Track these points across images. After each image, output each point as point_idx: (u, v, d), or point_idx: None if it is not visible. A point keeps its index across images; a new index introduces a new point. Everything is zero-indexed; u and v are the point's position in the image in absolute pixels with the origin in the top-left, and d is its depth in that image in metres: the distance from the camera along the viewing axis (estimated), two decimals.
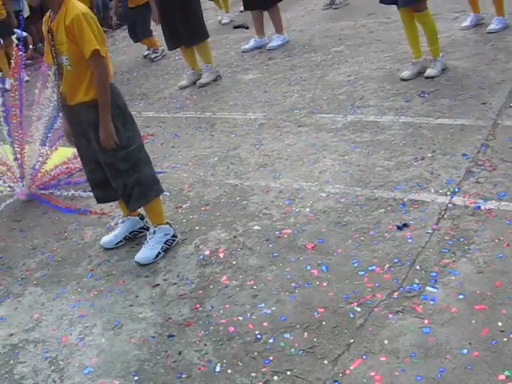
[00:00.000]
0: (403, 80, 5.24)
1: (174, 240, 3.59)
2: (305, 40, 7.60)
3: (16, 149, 4.63)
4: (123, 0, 8.60)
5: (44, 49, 3.36)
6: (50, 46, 3.20)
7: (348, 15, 8.46)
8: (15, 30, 10.23)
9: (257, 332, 2.74)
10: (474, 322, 2.49)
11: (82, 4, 3.14)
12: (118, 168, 3.32)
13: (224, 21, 9.40)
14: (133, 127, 3.40)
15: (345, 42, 7.03)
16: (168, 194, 4.19)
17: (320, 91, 5.57)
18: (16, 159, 4.65)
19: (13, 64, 4.72)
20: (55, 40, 3.16)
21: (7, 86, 5.66)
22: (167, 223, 3.59)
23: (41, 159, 4.70)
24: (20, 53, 4.69)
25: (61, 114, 3.69)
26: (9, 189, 4.75)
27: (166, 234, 3.55)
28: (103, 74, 3.15)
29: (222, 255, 3.38)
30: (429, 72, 5.07)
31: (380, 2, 5.27)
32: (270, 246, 3.35)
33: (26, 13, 11.02)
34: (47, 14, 3.22)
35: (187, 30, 6.25)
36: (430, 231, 3.15)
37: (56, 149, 4.72)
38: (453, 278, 2.77)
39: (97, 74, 3.14)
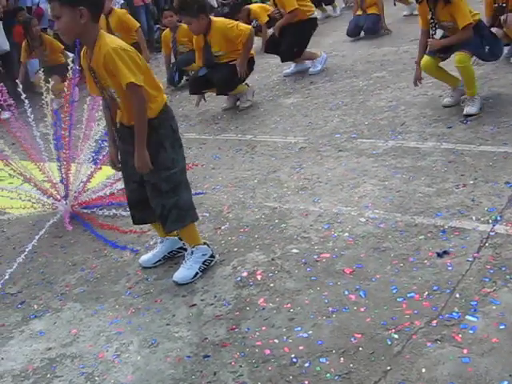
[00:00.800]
0: (445, 107, 5.21)
1: (212, 260, 3.60)
2: (347, 65, 7.63)
3: (62, 167, 4.72)
4: None
5: (86, 81, 3.39)
6: (95, 81, 3.25)
7: (390, 41, 8.49)
8: (67, 52, 10.48)
9: (292, 355, 2.72)
10: None
11: (112, 38, 3.17)
12: (160, 188, 3.35)
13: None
14: (179, 151, 3.45)
15: (387, 67, 7.05)
16: (207, 214, 4.22)
17: (361, 116, 5.57)
18: (62, 178, 4.73)
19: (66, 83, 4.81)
20: (98, 77, 3.20)
21: (55, 105, 5.77)
22: (205, 243, 3.61)
23: (85, 178, 4.78)
24: (74, 73, 4.82)
25: (107, 137, 3.74)
26: (53, 207, 4.83)
27: (203, 255, 3.57)
28: (140, 104, 3.15)
29: (259, 277, 3.38)
30: (468, 110, 4.92)
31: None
32: (308, 269, 3.34)
33: None
34: (83, 49, 3.26)
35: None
36: (470, 259, 3.10)
37: (100, 168, 4.80)
38: (494, 307, 2.72)
39: (134, 103, 3.15)
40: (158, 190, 3.36)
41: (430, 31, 5.04)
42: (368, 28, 8.93)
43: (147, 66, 3.26)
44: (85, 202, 4.86)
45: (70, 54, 10.14)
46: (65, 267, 4.08)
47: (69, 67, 4.73)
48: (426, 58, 5.11)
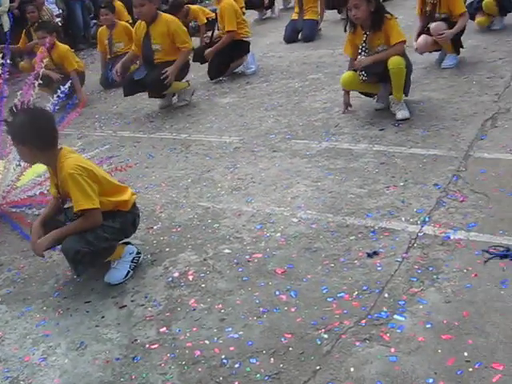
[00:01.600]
0: (377, 110, 5.30)
1: (139, 257, 3.58)
2: (283, 66, 7.68)
3: None
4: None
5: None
6: (58, 197, 3.49)
7: (326, 43, 8.59)
8: None
9: (223, 356, 2.71)
10: (440, 351, 2.49)
11: (70, 159, 3.28)
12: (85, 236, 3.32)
13: None
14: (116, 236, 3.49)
15: (322, 69, 7.12)
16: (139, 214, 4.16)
17: (296, 117, 5.61)
18: None
19: None
20: (62, 193, 3.42)
21: None
22: (127, 243, 3.59)
23: (14, 177, 4.64)
24: (4, 68, 4.68)
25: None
26: None
27: (130, 253, 3.54)
28: (90, 225, 3.31)
29: (191, 278, 3.35)
30: (402, 114, 4.99)
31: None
32: (240, 269, 3.33)
33: (6, 27, 10.99)
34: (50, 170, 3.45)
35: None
36: (399, 259, 3.16)
37: (30, 165, 4.66)
38: (421, 306, 2.78)
39: (84, 223, 3.31)
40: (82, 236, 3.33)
41: (359, 57, 5.11)
42: (306, 36, 8.98)
43: (103, 175, 3.42)
44: (14, 202, 4.71)
45: None
46: None
47: None
48: (346, 74, 5.20)
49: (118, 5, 11.12)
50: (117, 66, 6.62)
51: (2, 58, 4.70)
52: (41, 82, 4.91)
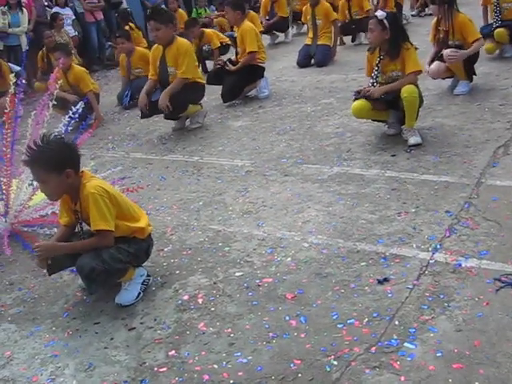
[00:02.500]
0: (389, 135, 5.31)
1: (149, 279, 3.60)
2: (295, 91, 7.72)
3: (2, 184, 4.60)
4: None
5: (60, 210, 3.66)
6: (78, 221, 3.49)
7: (339, 69, 8.64)
8: (10, 64, 10.27)
9: (231, 381, 2.69)
10: (450, 380, 2.47)
11: (92, 182, 3.36)
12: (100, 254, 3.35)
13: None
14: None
15: (335, 94, 7.15)
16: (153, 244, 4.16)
17: (308, 142, 5.62)
18: (2, 194, 4.60)
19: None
20: (82, 217, 3.45)
21: None
22: (137, 266, 3.60)
23: (27, 196, 4.66)
24: (18, 88, 4.73)
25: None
26: None
27: (141, 275, 3.56)
28: (103, 245, 3.36)
29: (200, 301, 3.34)
30: (414, 140, 4.99)
31: None
32: (250, 294, 3.32)
33: (24, 47, 11.15)
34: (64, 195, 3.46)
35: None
36: (410, 286, 3.14)
37: None
38: (431, 335, 2.76)
39: (98, 242, 3.37)
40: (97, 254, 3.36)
41: (371, 80, 5.15)
42: (319, 61, 9.05)
43: (124, 200, 3.50)
44: (25, 221, 4.74)
45: (16, 68, 10.00)
46: (1, 286, 3.96)
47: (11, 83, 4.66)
48: (357, 103, 5.19)
49: (135, 30, 11.30)
50: (142, 102, 6.55)
51: (17, 77, 4.76)
52: (55, 102, 4.96)
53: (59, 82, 5.19)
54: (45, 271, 3.61)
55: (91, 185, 3.32)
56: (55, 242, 3.49)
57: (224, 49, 10.31)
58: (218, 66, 7.74)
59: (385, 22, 4.89)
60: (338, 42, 10.04)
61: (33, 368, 3.06)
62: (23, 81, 5.06)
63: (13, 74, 4.88)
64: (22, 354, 3.19)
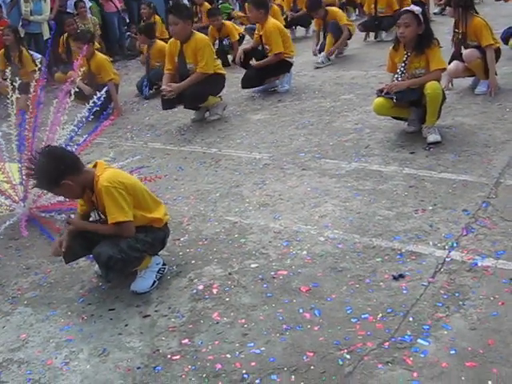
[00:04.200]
0: (408, 133, 5.29)
1: (164, 268, 3.62)
2: (315, 86, 7.70)
3: (23, 169, 4.64)
4: None
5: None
6: (96, 210, 3.52)
7: (359, 65, 8.60)
8: (32, 52, 10.34)
9: (244, 371, 2.70)
10: (463, 378, 2.46)
11: (106, 174, 3.34)
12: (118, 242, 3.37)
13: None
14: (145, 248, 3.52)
15: (355, 90, 7.13)
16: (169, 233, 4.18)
17: (326, 137, 5.62)
18: (22, 179, 4.65)
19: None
20: (99, 207, 3.46)
21: None
22: (153, 254, 3.63)
23: None
24: (42, 75, 4.78)
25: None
26: (9, 208, 4.75)
27: (157, 264, 3.58)
28: (125, 235, 3.38)
29: (215, 291, 3.36)
30: (433, 138, 4.97)
31: None
32: (265, 285, 3.33)
33: (46, 35, 11.23)
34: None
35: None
36: (425, 284, 3.13)
37: None
38: (445, 332, 2.75)
39: (119, 233, 3.38)
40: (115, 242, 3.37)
41: (396, 75, 5.13)
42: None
43: (142, 192, 3.50)
44: (43, 206, 4.78)
45: (37, 55, 10.07)
46: (18, 270, 4.01)
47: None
48: (378, 100, 5.16)
49: (158, 21, 11.36)
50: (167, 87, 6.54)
51: (41, 64, 4.81)
52: (77, 90, 4.99)
53: (82, 69, 5.20)
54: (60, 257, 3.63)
55: (104, 178, 3.31)
56: (82, 221, 3.54)
57: (241, 39, 10.37)
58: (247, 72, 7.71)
59: (420, 17, 4.87)
60: (364, 38, 10.09)
61: (47, 351, 3.09)
62: (45, 68, 5.10)
63: (38, 60, 4.91)
64: (38, 337, 3.23)
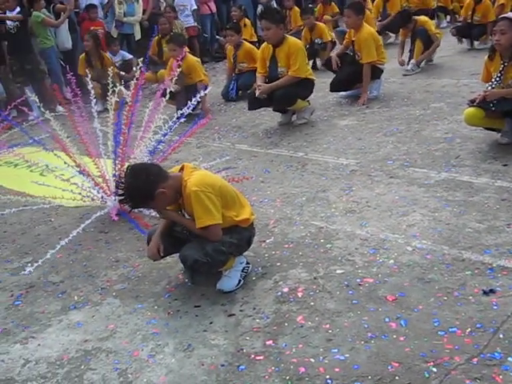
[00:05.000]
0: (501, 144, 5.14)
1: (248, 267, 3.66)
2: (404, 93, 7.60)
3: (117, 165, 4.79)
4: None
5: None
6: (184, 211, 3.54)
7: (450, 73, 8.43)
8: (123, 52, 10.67)
9: (327, 377, 2.70)
10: None
11: (194, 178, 3.37)
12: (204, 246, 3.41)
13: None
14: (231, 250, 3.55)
15: (445, 99, 6.99)
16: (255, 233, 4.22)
17: (415, 145, 5.53)
18: (115, 174, 4.80)
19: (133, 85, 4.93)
20: (187, 211, 3.49)
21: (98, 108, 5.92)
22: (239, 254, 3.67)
23: None
24: (141, 74, 4.95)
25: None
26: (101, 200, 4.92)
27: (241, 263, 3.62)
28: (211, 238, 3.41)
29: (300, 294, 3.37)
30: None
31: None
32: (350, 292, 3.31)
33: (138, 36, 11.56)
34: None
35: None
36: None
37: None
38: None
39: (206, 235, 3.42)
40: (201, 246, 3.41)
41: (489, 85, 5.00)
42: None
43: (230, 192, 3.52)
44: None
45: (128, 55, 10.39)
46: (107, 262, 4.13)
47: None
48: (469, 110, 5.03)
49: (248, 25, 11.51)
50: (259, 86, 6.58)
51: (143, 62, 4.96)
52: (172, 90, 5.13)
53: (178, 70, 5.32)
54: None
55: (192, 182, 3.34)
56: (174, 212, 3.54)
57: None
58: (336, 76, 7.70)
59: None
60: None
61: (134, 343, 3.17)
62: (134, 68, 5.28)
63: (140, 59, 5.07)
64: (125, 328, 3.32)
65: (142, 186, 3.29)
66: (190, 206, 3.38)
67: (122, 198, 3.40)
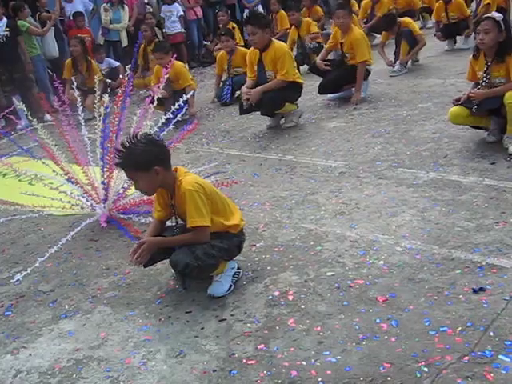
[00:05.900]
0: (489, 143, 5.17)
1: (239, 272, 3.66)
2: (391, 94, 7.63)
3: (105, 172, 4.78)
4: None
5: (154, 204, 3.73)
6: (173, 215, 3.59)
7: (437, 73, 8.46)
8: (109, 59, 10.66)
9: (319, 379, 2.69)
10: None
11: (188, 178, 3.41)
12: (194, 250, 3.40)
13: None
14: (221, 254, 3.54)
15: (432, 99, 7.02)
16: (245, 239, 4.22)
17: (403, 146, 5.55)
18: (103, 182, 4.78)
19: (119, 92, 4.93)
20: (178, 211, 3.53)
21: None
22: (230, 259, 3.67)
23: (126, 185, 4.82)
24: (128, 82, 4.95)
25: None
26: (90, 208, 4.90)
27: (232, 268, 3.62)
28: (199, 240, 3.42)
29: (291, 298, 3.36)
30: None
31: None
32: (341, 294, 3.31)
33: (124, 43, 11.56)
34: (159, 189, 3.53)
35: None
36: (507, 298, 3.04)
37: None
38: None
39: (195, 238, 3.42)
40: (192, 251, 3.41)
41: (475, 89, 5.02)
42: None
43: (221, 198, 3.55)
44: (122, 208, 4.91)
45: (115, 63, 10.39)
46: (98, 270, 4.12)
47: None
48: (454, 109, 5.08)
49: (236, 28, 11.56)
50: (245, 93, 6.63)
51: (130, 70, 4.98)
52: (160, 95, 5.13)
53: (166, 76, 5.32)
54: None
55: (187, 181, 3.37)
56: (157, 237, 3.55)
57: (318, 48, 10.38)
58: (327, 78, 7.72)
59: (501, 23, 4.76)
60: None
61: (126, 350, 3.16)
62: (132, 74, 5.28)
63: (128, 66, 5.11)
64: (117, 336, 3.31)
65: (147, 153, 3.30)
66: (182, 205, 3.40)
67: (121, 151, 3.34)
